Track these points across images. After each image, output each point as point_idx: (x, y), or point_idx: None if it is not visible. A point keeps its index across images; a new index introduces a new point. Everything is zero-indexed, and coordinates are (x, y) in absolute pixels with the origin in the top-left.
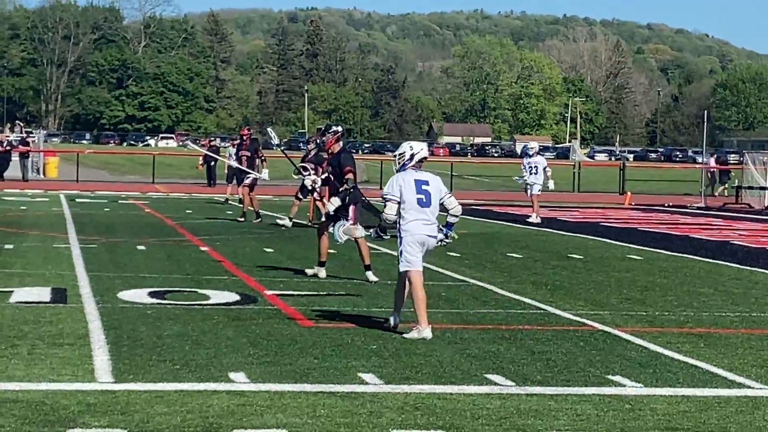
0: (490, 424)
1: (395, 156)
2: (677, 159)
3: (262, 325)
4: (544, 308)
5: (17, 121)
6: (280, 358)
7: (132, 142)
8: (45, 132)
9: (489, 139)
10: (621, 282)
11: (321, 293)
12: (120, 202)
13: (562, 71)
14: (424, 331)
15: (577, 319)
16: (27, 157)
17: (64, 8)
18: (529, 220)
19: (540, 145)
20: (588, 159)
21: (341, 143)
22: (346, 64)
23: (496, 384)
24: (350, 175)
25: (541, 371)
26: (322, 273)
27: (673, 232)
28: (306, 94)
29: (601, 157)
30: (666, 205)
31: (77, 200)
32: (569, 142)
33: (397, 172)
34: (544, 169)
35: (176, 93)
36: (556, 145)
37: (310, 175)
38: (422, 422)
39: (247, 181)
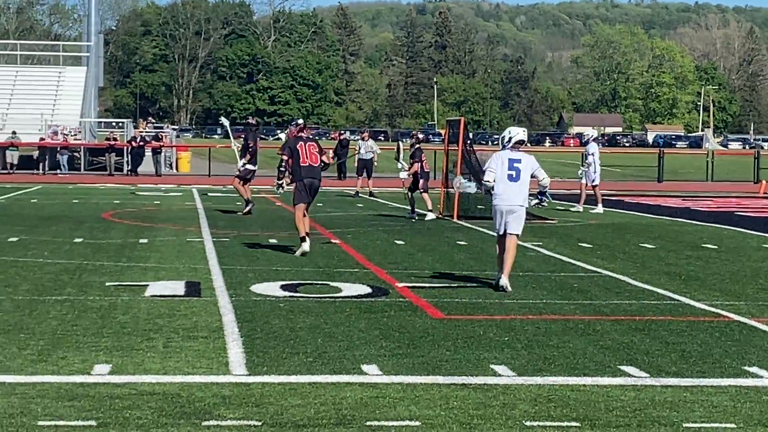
0: (625, 416)
1: (500, 138)
2: None
3: (393, 317)
4: (678, 299)
5: (149, 117)
6: (413, 350)
7: (263, 136)
8: (178, 127)
9: (620, 129)
10: (757, 272)
11: (452, 285)
12: (252, 196)
13: (694, 59)
14: (502, 279)
15: (712, 309)
16: (160, 152)
17: (195, 4)
18: (572, 209)
19: (599, 133)
20: (721, 148)
21: (302, 134)
22: (475, 55)
23: (630, 375)
24: (284, 156)
25: (675, 362)
26: (306, 246)
27: None
28: (435, 86)
29: (734, 145)
30: None
31: (209, 194)
32: (702, 131)
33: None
34: (592, 155)
35: (306, 86)
36: (689, 134)
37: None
38: (556, 414)
39: (237, 172)
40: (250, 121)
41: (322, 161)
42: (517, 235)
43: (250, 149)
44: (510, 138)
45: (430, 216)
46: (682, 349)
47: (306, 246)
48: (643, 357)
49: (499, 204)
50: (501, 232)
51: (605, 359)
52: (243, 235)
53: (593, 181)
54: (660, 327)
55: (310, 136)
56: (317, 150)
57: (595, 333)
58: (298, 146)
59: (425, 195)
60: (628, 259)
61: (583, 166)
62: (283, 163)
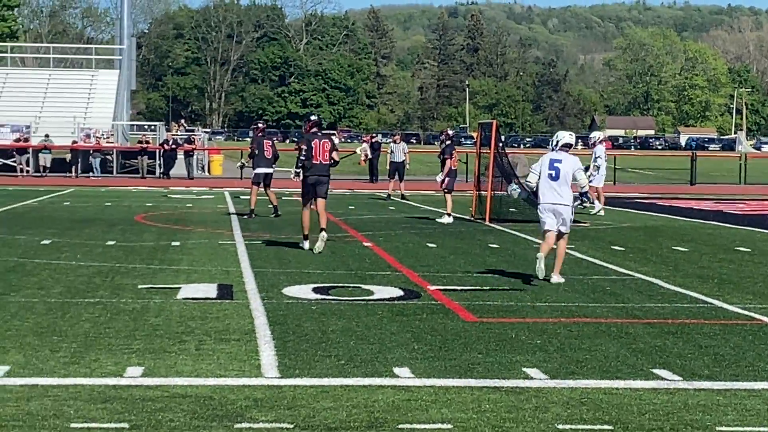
0: (657, 420)
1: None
2: None
3: (425, 320)
4: (711, 302)
5: (181, 120)
6: (445, 353)
7: (294, 139)
8: (210, 130)
9: (652, 132)
10: None
11: (485, 288)
12: (284, 198)
13: (727, 62)
14: (554, 277)
15: (746, 312)
16: (192, 155)
17: (228, 7)
18: (592, 211)
19: (607, 136)
20: (754, 150)
21: (315, 129)
22: (507, 58)
23: (662, 379)
24: (303, 146)
25: (708, 366)
26: (306, 245)
27: None
28: (467, 89)
29: (767, 148)
30: None
31: (241, 197)
32: (735, 133)
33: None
34: (599, 157)
35: (338, 89)
36: (722, 137)
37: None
38: (588, 417)
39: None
40: (258, 125)
41: (332, 158)
42: (565, 233)
43: (251, 152)
44: (557, 141)
45: (445, 219)
46: (715, 352)
47: (305, 245)
48: (675, 360)
49: (542, 203)
50: (544, 229)
51: (638, 362)
52: (275, 237)
53: (593, 181)
54: (693, 330)
55: (326, 134)
56: (329, 147)
57: (628, 336)
58: (312, 143)
59: (448, 196)
60: (661, 262)
61: (591, 168)
62: (303, 155)
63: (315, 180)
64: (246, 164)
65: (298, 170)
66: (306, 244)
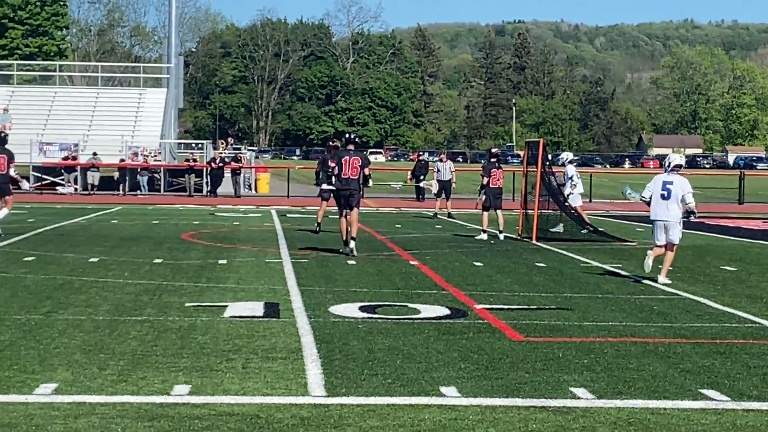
0: None
1: (662, 163)
2: None
3: (472, 339)
4: (760, 322)
5: (229, 138)
6: (491, 372)
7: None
8: (256, 149)
9: (700, 151)
10: None
11: (531, 307)
12: (330, 217)
13: None
14: (661, 278)
15: None
16: (239, 173)
17: (275, 26)
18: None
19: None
20: None
21: (350, 146)
22: (554, 76)
23: (711, 399)
24: (331, 164)
25: (757, 386)
26: (346, 248)
27: None
28: (514, 108)
29: None
30: None
31: (288, 215)
32: None
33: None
34: (570, 178)
35: (384, 108)
36: None
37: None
38: None
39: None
40: (330, 143)
41: (363, 174)
42: (674, 244)
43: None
44: (669, 163)
45: (481, 236)
46: (764, 372)
47: (347, 248)
48: (724, 380)
49: (654, 218)
50: (657, 243)
51: (686, 382)
52: (321, 256)
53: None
54: (741, 350)
55: (357, 151)
56: (360, 164)
57: (676, 356)
58: (342, 160)
59: (485, 213)
60: (709, 282)
61: (569, 187)
62: (329, 171)
63: (347, 193)
64: (320, 183)
65: (321, 183)
66: (346, 248)
